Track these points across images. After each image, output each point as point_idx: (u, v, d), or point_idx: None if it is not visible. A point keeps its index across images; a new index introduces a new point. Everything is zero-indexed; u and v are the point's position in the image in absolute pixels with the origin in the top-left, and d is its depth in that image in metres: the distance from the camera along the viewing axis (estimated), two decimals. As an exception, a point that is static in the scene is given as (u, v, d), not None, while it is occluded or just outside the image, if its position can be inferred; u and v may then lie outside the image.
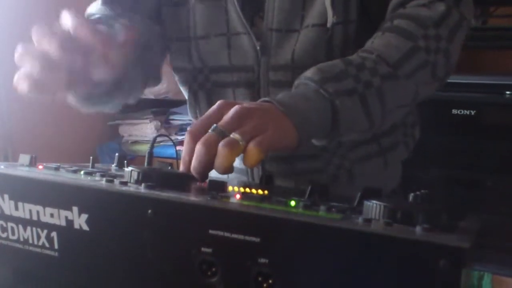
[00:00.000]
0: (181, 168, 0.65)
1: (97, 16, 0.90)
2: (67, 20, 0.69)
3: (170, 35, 0.96)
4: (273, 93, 0.88)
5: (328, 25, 0.83)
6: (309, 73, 0.73)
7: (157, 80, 0.98)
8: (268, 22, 0.87)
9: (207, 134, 0.62)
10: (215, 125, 0.62)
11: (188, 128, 0.65)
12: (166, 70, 1.01)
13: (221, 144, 0.60)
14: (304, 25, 0.86)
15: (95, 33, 0.69)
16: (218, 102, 0.66)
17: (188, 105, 1.00)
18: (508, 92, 1.73)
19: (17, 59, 0.69)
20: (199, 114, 0.98)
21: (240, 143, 0.60)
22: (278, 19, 0.86)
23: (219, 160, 0.60)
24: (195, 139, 0.62)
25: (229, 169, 0.61)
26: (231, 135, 0.61)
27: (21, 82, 0.68)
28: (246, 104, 0.66)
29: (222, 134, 0.61)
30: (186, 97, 1.00)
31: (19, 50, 0.69)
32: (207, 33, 0.91)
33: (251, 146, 0.60)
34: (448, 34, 0.80)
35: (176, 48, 0.96)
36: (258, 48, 0.87)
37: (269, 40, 0.87)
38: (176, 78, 1.01)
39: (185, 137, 0.64)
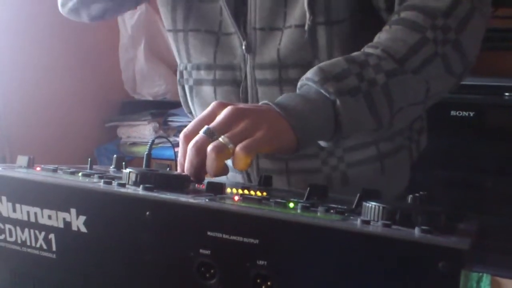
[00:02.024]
0: (178, 169, 0.65)
1: None
2: None
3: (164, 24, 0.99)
4: (260, 91, 0.89)
5: (306, 27, 0.83)
6: (310, 73, 0.72)
7: None
8: (251, 21, 0.87)
9: (197, 136, 0.62)
10: (206, 126, 0.62)
11: (183, 130, 0.65)
12: (165, 72, 1.02)
13: (209, 147, 0.60)
14: (287, 25, 0.85)
15: None
16: (213, 103, 0.66)
17: (180, 99, 1.03)
18: (507, 94, 1.73)
19: None
20: (191, 109, 1.01)
21: (229, 146, 0.60)
22: (260, 17, 0.86)
23: (208, 163, 0.60)
24: (187, 141, 0.62)
25: (219, 172, 0.60)
26: (220, 139, 0.60)
27: None
28: (241, 105, 0.65)
29: (212, 136, 0.61)
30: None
31: None
32: (198, 28, 0.92)
33: (238, 149, 0.60)
34: (457, 25, 0.77)
35: (170, 39, 0.99)
36: (243, 47, 0.88)
37: (253, 38, 0.88)
38: None
39: (179, 139, 0.64)
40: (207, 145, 0.60)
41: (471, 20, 0.78)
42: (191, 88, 0.98)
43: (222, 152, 0.59)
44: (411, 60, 0.74)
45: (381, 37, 0.77)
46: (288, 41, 0.85)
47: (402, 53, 0.74)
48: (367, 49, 0.76)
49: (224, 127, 0.62)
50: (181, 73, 0.99)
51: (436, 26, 0.76)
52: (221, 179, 0.70)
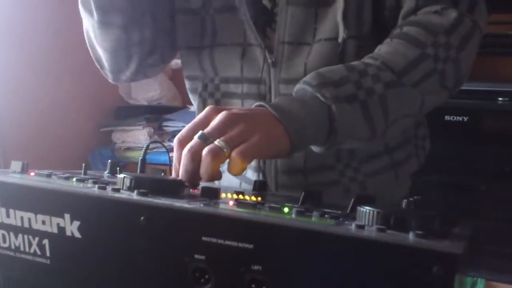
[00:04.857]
0: (173, 175, 0.65)
1: None
2: None
3: (180, 43, 0.95)
4: None
5: (339, 39, 0.82)
6: (308, 77, 0.72)
7: None
8: (280, 35, 0.85)
9: (192, 141, 0.61)
10: (201, 131, 0.61)
11: (177, 135, 0.64)
12: (160, 77, 1.01)
13: (204, 151, 0.59)
14: (317, 39, 0.84)
15: None
16: (207, 108, 0.65)
17: (196, 113, 0.98)
18: (500, 99, 1.74)
19: None
20: None
21: (224, 150, 0.60)
22: (290, 31, 0.85)
23: (203, 167, 0.59)
24: (182, 146, 0.62)
25: (214, 176, 0.60)
26: (216, 142, 0.60)
27: None
28: (236, 109, 0.65)
29: (207, 140, 0.60)
30: (195, 104, 0.98)
31: None
32: (225, 42, 0.90)
33: (234, 154, 0.60)
34: (459, 43, 0.77)
35: (187, 56, 0.95)
36: (269, 61, 0.86)
37: (280, 53, 0.86)
38: (187, 86, 0.99)
39: (174, 144, 0.64)
40: (202, 150, 0.60)
41: (472, 38, 0.79)
42: (217, 102, 0.93)
43: (218, 155, 0.59)
44: (410, 74, 0.74)
45: (382, 49, 0.77)
46: (316, 55, 0.84)
47: (401, 67, 0.74)
48: (367, 59, 0.76)
49: (219, 131, 0.61)
50: (205, 86, 0.94)
51: (437, 43, 0.76)
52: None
